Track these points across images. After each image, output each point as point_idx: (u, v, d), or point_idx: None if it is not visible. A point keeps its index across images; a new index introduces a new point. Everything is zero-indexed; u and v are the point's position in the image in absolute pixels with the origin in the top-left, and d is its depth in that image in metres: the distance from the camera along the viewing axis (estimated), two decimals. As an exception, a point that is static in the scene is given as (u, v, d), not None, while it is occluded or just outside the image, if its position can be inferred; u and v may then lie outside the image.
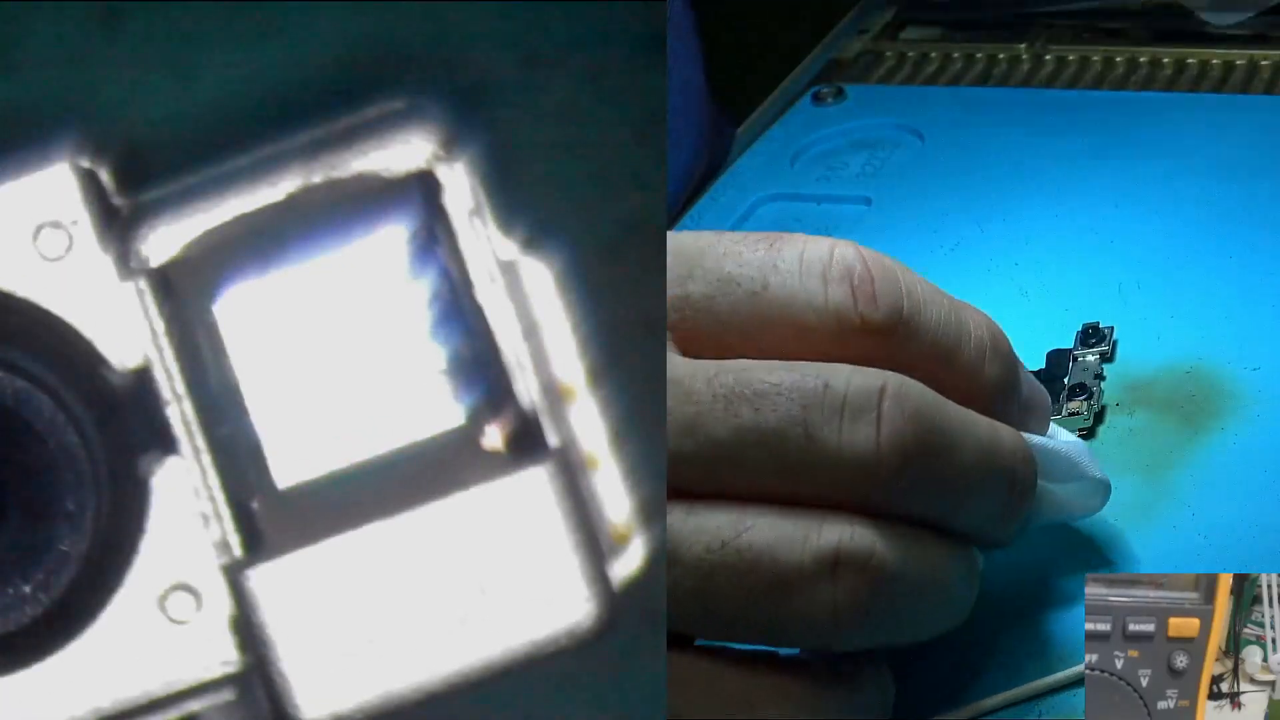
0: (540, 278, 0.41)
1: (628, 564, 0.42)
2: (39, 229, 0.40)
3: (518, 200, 0.41)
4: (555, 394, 0.41)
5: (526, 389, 0.41)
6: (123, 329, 0.40)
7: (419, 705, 0.41)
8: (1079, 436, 0.52)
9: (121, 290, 0.40)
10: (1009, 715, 0.44)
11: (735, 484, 0.40)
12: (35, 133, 0.40)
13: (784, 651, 0.42)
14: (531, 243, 0.41)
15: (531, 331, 0.41)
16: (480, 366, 0.41)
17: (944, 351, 0.43)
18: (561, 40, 0.43)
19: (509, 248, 0.41)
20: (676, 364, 0.41)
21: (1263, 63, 0.71)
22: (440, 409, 0.41)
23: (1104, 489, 0.48)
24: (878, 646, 0.42)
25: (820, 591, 0.40)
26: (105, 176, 0.40)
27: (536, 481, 0.41)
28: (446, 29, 0.41)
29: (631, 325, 0.41)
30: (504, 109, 0.41)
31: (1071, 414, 0.53)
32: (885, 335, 0.42)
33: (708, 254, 0.42)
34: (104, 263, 0.40)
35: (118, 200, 0.40)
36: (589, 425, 0.42)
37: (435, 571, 0.41)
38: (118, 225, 0.40)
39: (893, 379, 0.41)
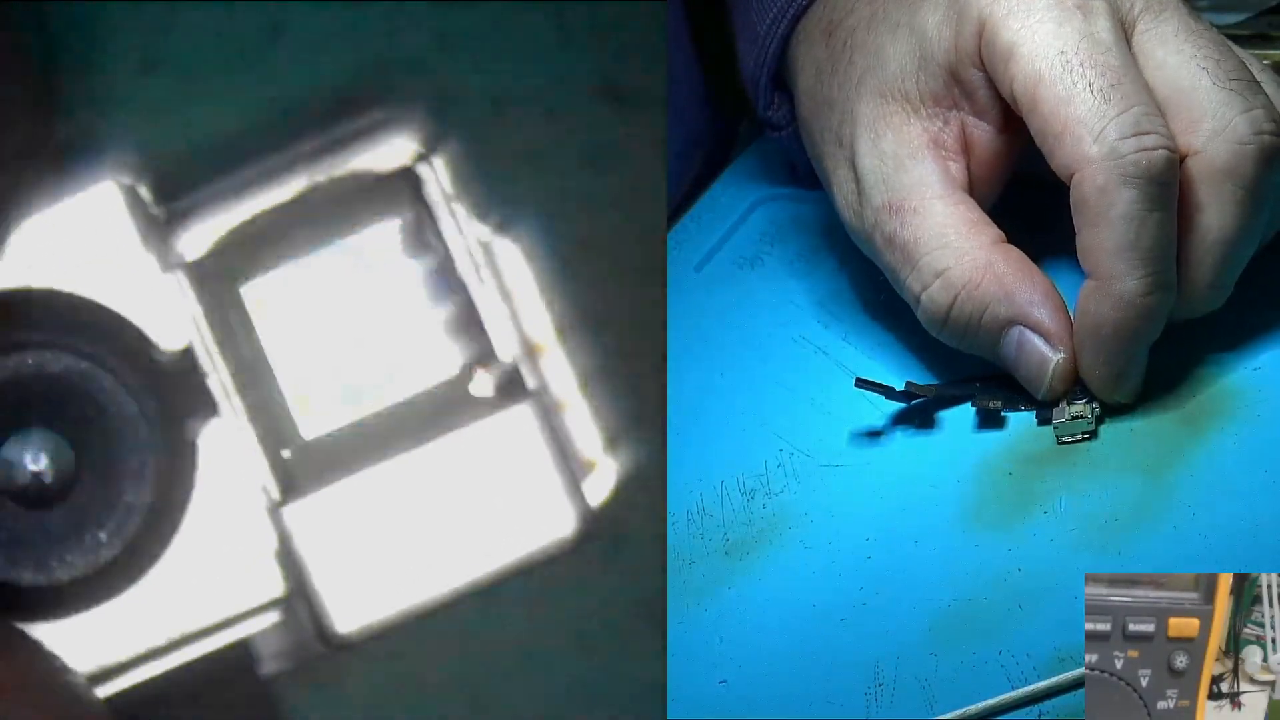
0: (512, 253, 0.48)
1: (598, 485, 0.48)
2: (93, 236, 0.48)
3: (490, 189, 0.48)
4: (530, 348, 0.48)
5: (507, 344, 0.48)
6: (166, 315, 0.47)
7: (437, 613, 0.48)
8: (1082, 438, 0.52)
9: (163, 283, 0.47)
10: (1009, 715, 0.44)
11: None
12: (85, 159, 0.47)
13: None
14: (503, 225, 0.48)
15: (507, 297, 0.48)
16: (468, 327, 0.48)
17: None
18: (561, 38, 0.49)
19: (484, 230, 0.48)
20: None
21: (1263, 63, 0.71)
22: (436, 365, 0.48)
23: None
24: None
25: None
26: (144, 191, 0.48)
27: (520, 418, 0.48)
28: (434, 48, 0.48)
29: (593, 289, 0.49)
30: (478, 110, 0.48)
31: (1075, 417, 0.53)
32: None
33: None
34: (147, 261, 0.47)
35: (156, 210, 0.48)
36: (559, 375, 0.49)
37: (440, 499, 0.48)
38: (157, 230, 0.47)
39: None
